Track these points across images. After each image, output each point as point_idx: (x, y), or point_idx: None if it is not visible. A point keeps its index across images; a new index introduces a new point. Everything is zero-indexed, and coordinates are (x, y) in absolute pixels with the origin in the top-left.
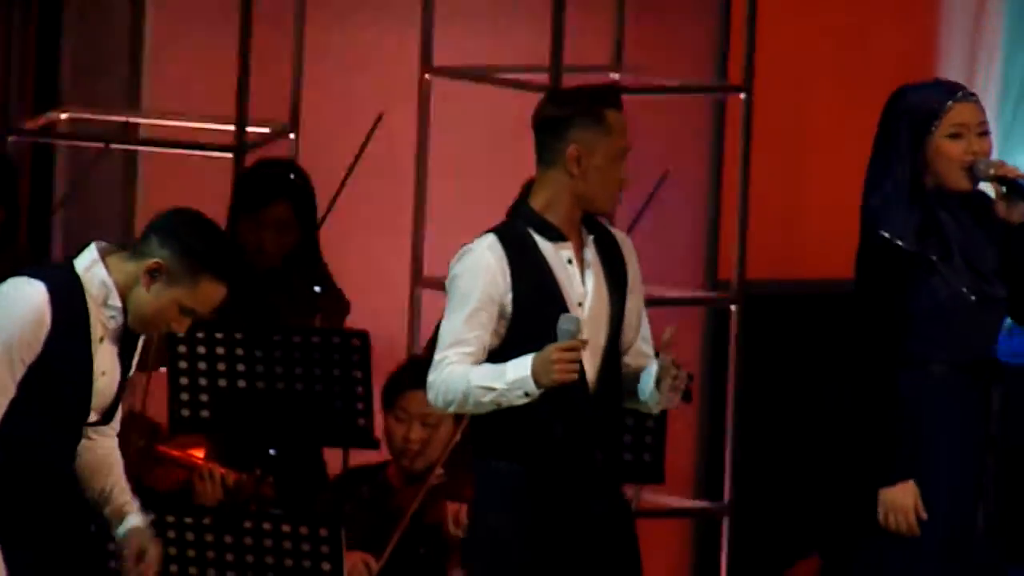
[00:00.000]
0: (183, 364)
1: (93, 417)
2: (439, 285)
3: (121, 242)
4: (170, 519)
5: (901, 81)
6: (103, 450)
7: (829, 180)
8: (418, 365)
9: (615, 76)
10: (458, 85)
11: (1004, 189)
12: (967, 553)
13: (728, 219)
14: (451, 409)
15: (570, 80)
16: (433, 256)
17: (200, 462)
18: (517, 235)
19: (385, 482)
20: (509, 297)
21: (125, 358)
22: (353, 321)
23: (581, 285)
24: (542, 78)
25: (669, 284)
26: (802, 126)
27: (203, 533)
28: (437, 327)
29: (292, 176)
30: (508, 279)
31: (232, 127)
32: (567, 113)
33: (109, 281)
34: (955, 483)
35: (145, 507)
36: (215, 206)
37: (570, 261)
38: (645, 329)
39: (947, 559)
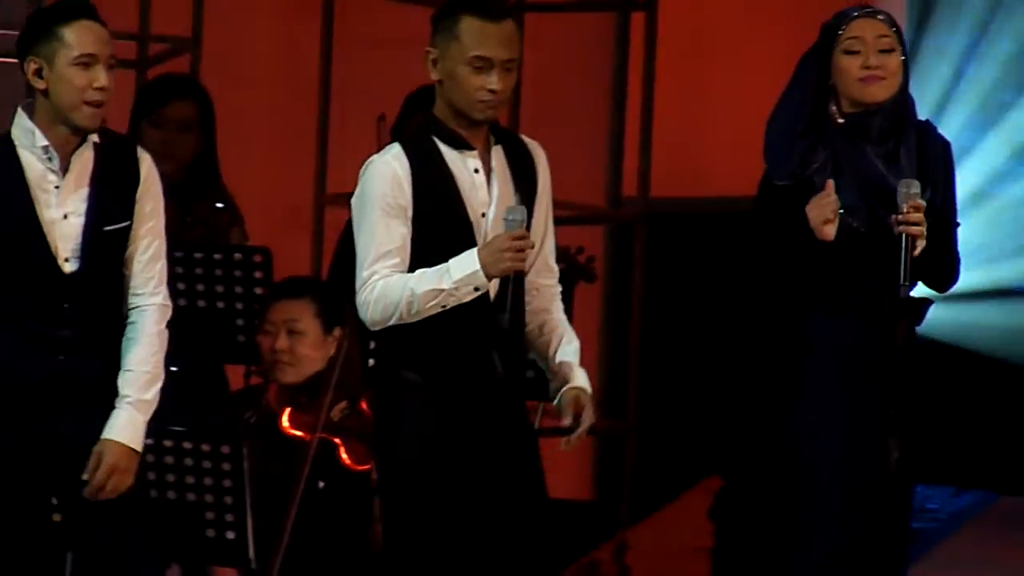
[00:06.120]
0: None
1: (71, 266)
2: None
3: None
4: None
5: None
6: (130, 329)
7: (733, 97)
8: (288, 280)
9: None
10: None
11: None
12: (875, 491)
13: (632, 136)
14: (392, 322)
15: None
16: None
17: None
18: (422, 143)
19: (267, 408)
20: (411, 206)
21: (107, 200)
22: (257, 239)
23: (487, 195)
24: None
25: (573, 201)
26: (705, 42)
27: None
28: (339, 244)
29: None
30: (410, 188)
31: (134, 41)
32: (433, 17)
33: (29, 123)
34: (858, 422)
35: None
36: (118, 120)
37: (476, 171)
38: (549, 244)
39: (852, 501)
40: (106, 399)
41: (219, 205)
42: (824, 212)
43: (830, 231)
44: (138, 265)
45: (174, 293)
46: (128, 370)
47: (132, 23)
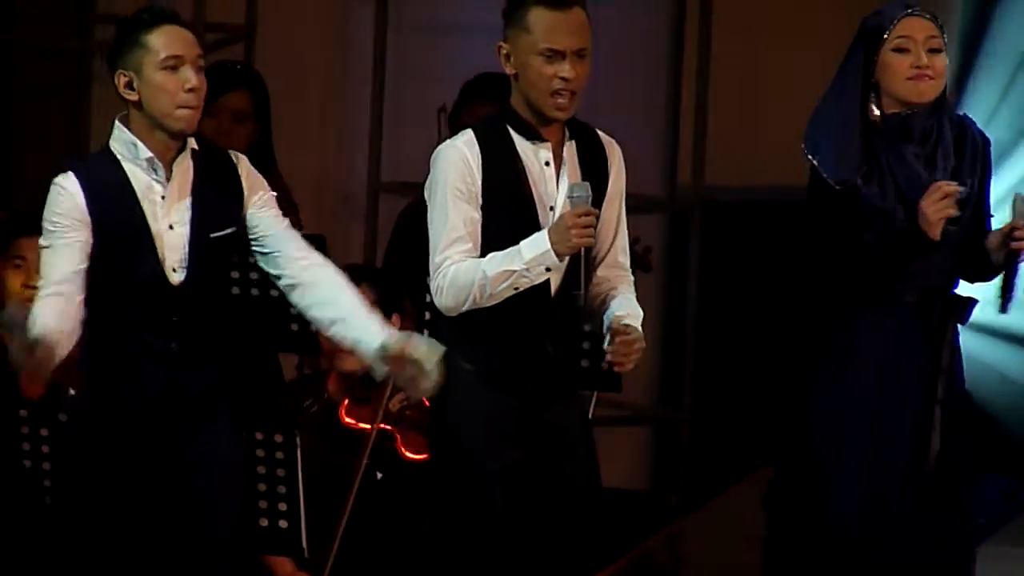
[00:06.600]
0: None
1: (178, 276)
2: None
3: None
4: None
5: None
6: (317, 288)
7: (789, 83)
8: (344, 268)
9: None
10: None
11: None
12: (921, 485)
13: (686, 125)
14: (465, 307)
15: None
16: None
17: None
18: (495, 131)
19: (328, 398)
20: (480, 193)
21: (210, 207)
22: (310, 227)
23: (555, 188)
24: None
25: (628, 191)
26: (761, 28)
27: None
28: (394, 232)
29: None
30: (479, 173)
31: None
32: (504, 11)
33: (129, 135)
34: (903, 418)
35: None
36: None
37: (547, 163)
38: (620, 241)
39: (901, 492)
40: (211, 414)
41: (274, 194)
42: (940, 211)
43: (938, 232)
44: (287, 243)
45: (227, 281)
46: (352, 318)
47: (187, 12)
